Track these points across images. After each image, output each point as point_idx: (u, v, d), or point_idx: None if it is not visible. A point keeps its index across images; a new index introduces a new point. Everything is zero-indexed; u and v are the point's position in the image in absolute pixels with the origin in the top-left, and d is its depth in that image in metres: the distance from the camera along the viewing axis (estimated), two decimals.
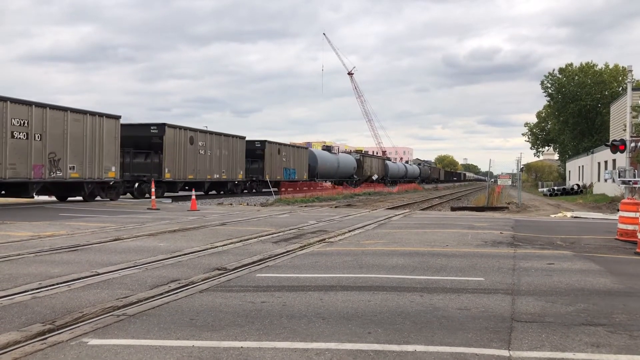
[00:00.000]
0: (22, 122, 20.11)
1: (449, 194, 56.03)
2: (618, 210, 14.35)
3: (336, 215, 19.84)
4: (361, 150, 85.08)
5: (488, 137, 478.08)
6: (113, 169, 24.81)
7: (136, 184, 28.11)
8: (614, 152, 23.00)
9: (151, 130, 28.74)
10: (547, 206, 31.99)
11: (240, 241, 11.44)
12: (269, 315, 5.53)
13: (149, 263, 8.55)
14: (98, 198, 24.68)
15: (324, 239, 12.12)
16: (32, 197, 21.90)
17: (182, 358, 4.26)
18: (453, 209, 29.03)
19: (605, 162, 42.72)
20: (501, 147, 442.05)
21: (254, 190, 39.12)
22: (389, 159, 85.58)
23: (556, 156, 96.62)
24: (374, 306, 5.98)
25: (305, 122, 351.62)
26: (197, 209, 21.01)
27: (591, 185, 48.60)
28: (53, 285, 6.82)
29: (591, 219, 20.38)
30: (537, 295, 6.63)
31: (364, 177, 60.29)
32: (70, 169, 22.32)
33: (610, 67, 67.45)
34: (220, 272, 7.92)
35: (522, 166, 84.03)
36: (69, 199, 24.35)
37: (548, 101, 73.30)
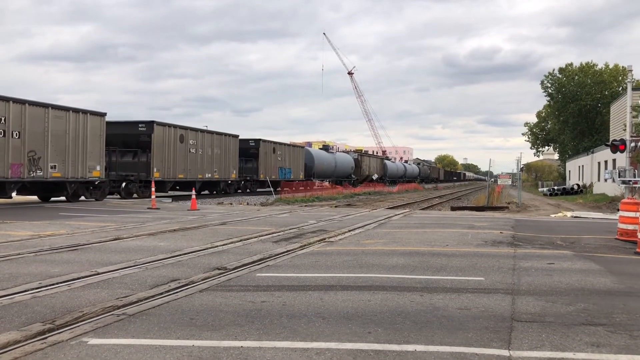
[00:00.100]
0: None
1: (449, 194, 56.02)
2: (618, 210, 14.35)
3: (336, 214, 19.84)
4: (361, 150, 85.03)
5: (488, 137, 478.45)
6: (98, 168, 24.01)
7: (123, 184, 27.36)
8: (614, 151, 23.00)
9: (139, 128, 28.00)
10: (547, 206, 31.99)
11: (241, 240, 11.44)
12: (269, 315, 5.53)
13: (149, 262, 8.55)
14: (82, 198, 23.96)
15: (324, 239, 12.12)
16: (10, 197, 20.99)
17: (182, 357, 4.25)
18: (453, 209, 29.02)
19: (605, 161, 42.72)
20: (501, 147, 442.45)
21: (248, 190, 38.28)
22: (388, 159, 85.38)
23: (556, 156, 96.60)
24: (374, 306, 5.97)
25: (306, 122, 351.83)
26: (197, 209, 21.01)
27: (591, 185, 48.59)
28: (53, 284, 6.82)
29: (591, 219, 20.38)
30: (537, 295, 6.63)
31: (362, 177, 59.90)
32: (51, 168, 21.47)
33: (610, 67, 67.45)
34: (220, 271, 7.92)
35: (522, 166, 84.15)
36: (52, 199, 23.62)
37: (548, 101, 73.32)
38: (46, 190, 22.93)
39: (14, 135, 19.93)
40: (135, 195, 27.81)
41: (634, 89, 27.45)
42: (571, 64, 69.53)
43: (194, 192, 24.05)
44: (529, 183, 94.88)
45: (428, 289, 6.91)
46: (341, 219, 17.98)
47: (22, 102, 20.36)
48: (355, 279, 7.52)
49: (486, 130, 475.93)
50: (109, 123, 25.98)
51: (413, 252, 10.13)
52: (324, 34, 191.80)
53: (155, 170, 27.84)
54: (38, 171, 20.89)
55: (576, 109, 65.55)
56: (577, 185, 52.99)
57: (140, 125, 28.05)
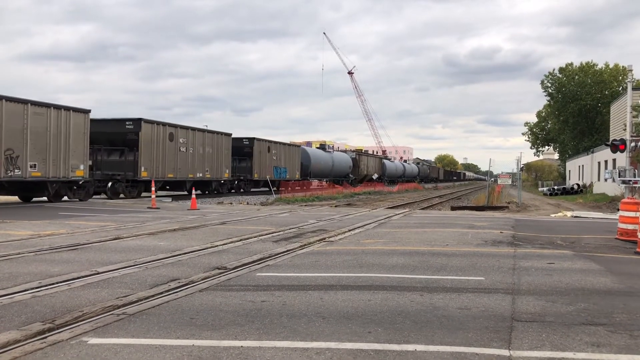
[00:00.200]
0: None
1: (449, 193, 56.04)
2: (618, 209, 14.35)
3: (336, 214, 19.84)
4: (361, 150, 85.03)
5: (488, 137, 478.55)
6: (81, 167, 23.04)
7: (109, 184, 26.43)
8: (614, 151, 23.01)
9: (126, 126, 27.17)
10: (547, 205, 31.99)
11: (240, 240, 11.43)
12: (269, 315, 5.53)
13: (149, 262, 8.54)
14: (65, 198, 23.10)
15: (324, 238, 12.12)
16: None
17: (182, 357, 4.25)
18: (453, 209, 29.02)
19: (606, 161, 42.73)
20: (501, 147, 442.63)
21: (241, 190, 37.43)
22: (387, 158, 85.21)
23: (556, 156, 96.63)
24: (374, 305, 5.97)
25: (306, 122, 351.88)
26: (197, 208, 21.01)
27: (591, 185, 48.61)
28: (53, 284, 6.82)
29: (591, 219, 20.38)
30: (537, 294, 6.63)
31: (360, 177, 59.51)
32: (31, 167, 20.51)
33: (611, 66, 67.49)
34: (220, 271, 7.91)
35: (522, 166, 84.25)
36: (34, 199, 22.81)
37: (548, 101, 73.35)
38: (26, 190, 22.09)
39: None
40: (122, 196, 26.97)
41: (634, 88, 27.46)
42: (571, 64, 69.60)
43: (194, 191, 23.93)
44: (529, 183, 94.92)
45: (428, 288, 6.90)
46: (341, 218, 17.98)
47: None
48: (355, 278, 7.52)
49: (486, 130, 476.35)
50: (95, 120, 25.20)
51: (413, 251, 10.13)
52: (324, 33, 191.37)
53: (143, 169, 27.08)
54: (16, 170, 19.96)
55: (576, 109, 65.58)
56: (577, 185, 53.01)
57: (127, 123, 27.29)
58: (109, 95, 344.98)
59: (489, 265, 8.74)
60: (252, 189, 38.99)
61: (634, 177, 19.16)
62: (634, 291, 7.00)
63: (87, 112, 23.75)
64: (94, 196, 25.87)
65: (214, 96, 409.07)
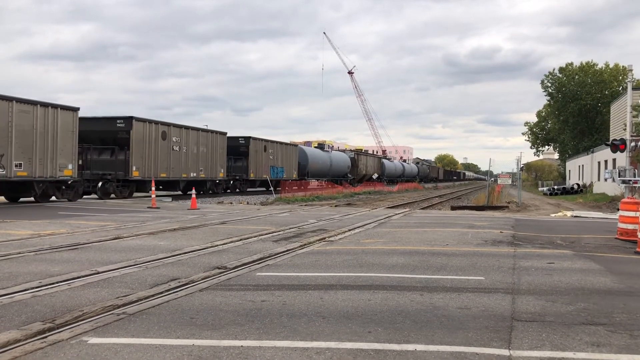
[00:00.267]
0: None
1: (449, 193, 56.04)
2: (618, 209, 14.35)
3: (336, 214, 19.84)
4: (361, 149, 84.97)
5: (488, 136, 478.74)
6: (70, 166, 22.37)
7: (100, 183, 25.73)
8: (614, 151, 23.02)
9: (117, 124, 26.55)
10: (547, 205, 31.99)
11: (240, 240, 11.43)
12: (269, 314, 5.53)
13: (149, 262, 8.54)
14: (53, 199, 22.42)
15: (324, 238, 12.12)
16: None
17: (182, 357, 4.25)
18: (453, 208, 29.02)
19: (606, 161, 42.73)
20: (501, 146, 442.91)
21: (237, 190, 36.87)
22: (386, 158, 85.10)
23: (556, 155, 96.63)
24: (374, 305, 5.97)
25: (306, 121, 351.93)
26: (197, 208, 21.02)
27: (591, 185, 48.60)
28: (53, 283, 6.82)
29: (591, 218, 20.38)
30: (537, 294, 6.63)
31: (359, 176, 59.17)
32: (16, 166, 19.88)
33: (611, 66, 67.51)
34: (220, 270, 7.91)
35: (522, 165, 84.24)
36: (21, 199, 22.24)
37: (548, 100, 73.36)
38: (12, 190, 21.45)
39: None
40: (112, 196, 26.41)
41: (634, 88, 27.46)
42: (571, 64, 69.63)
43: (193, 191, 23.91)
44: (529, 183, 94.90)
45: (428, 288, 6.90)
46: (341, 218, 17.98)
47: None
48: (355, 278, 7.52)
49: (486, 130, 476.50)
50: (84, 119, 24.79)
51: (413, 251, 10.13)
52: (324, 33, 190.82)
53: (134, 168, 26.48)
54: (0, 170, 19.43)
55: (576, 109, 65.58)
56: (577, 184, 53.03)
57: (118, 121, 26.68)
58: (109, 95, 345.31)
59: (489, 265, 8.74)
60: (249, 189, 38.46)
61: (634, 176, 19.16)
62: (634, 291, 7.00)
63: (76, 110, 23.12)
64: (85, 196, 25.40)
65: (214, 96, 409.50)
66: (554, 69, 71.55)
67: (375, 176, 62.93)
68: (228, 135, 35.59)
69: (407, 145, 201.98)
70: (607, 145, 26.47)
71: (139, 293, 6.37)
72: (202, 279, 7.27)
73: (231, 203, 26.56)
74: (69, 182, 22.89)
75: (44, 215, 16.40)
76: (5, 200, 22.21)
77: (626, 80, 31.59)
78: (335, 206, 26.68)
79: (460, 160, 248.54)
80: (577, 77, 67.46)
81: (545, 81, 70.84)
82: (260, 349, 4.44)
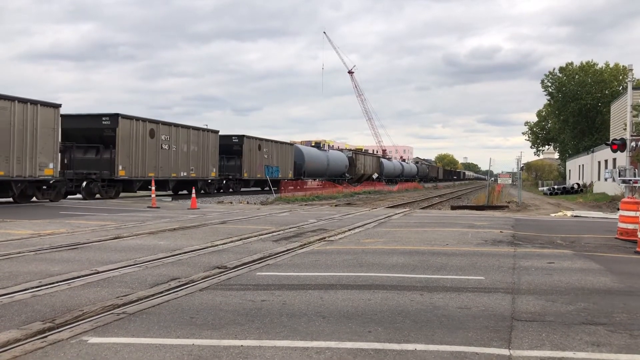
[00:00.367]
0: None
1: (449, 193, 56.04)
2: (618, 209, 14.34)
3: (336, 213, 19.84)
4: (360, 149, 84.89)
5: (488, 136, 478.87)
6: (51, 165, 21.45)
7: (84, 183, 24.67)
8: (614, 151, 22.99)
9: (103, 122, 25.61)
10: (547, 205, 31.99)
11: (241, 239, 11.43)
12: (269, 314, 5.53)
13: (149, 261, 8.54)
14: (34, 199, 21.64)
15: (324, 238, 12.12)
16: None
17: (182, 356, 4.25)
18: (453, 208, 29.03)
19: (606, 161, 42.72)
20: (501, 146, 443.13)
21: (230, 190, 36.11)
22: (385, 157, 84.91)
23: (556, 155, 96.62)
24: (374, 305, 5.97)
25: (306, 121, 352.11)
26: (197, 207, 21.01)
27: (591, 184, 48.60)
28: (53, 283, 6.82)
29: (591, 218, 20.38)
30: (537, 294, 6.63)
31: (357, 176, 58.65)
32: None
33: (611, 66, 67.52)
34: (220, 270, 7.91)
35: (522, 165, 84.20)
36: (0, 200, 21.09)
37: (548, 100, 73.38)
38: None
39: None
40: (98, 196, 25.47)
41: (634, 88, 27.45)
42: (571, 63, 69.66)
43: (193, 191, 23.83)
44: (529, 182, 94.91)
45: (428, 288, 6.90)
46: (341, 218, 17.98)
47: None
48: (355, 278, 7.52)
49: (486, 130, 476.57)
50: (69, 116, 24.39)
51: (413, 251, 10.13)
52: (324, 33, 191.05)
53: (120, 168, 25.66)
54: None
55: (576, 108, 65.58)
56: (577, 184, 53.02)
57: (103, 118, 25.77)
58: (109, 94, 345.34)
59: (489, 264, 8.74)
60: (242, 189, 37.75)
61: (634, 176, 19.16)
62: (634, 291, 7.00)
63: (58, 106, 22.21)
64: (69, 197, 24.73)
65: (214, 95, 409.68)
66: (554, 69, 71.65)
67: (375, 176, 62.84)
68: (221, 133, 34.85)
69: (407, 145, 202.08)
70: (607, 144, 26.45)
71: (139, 293, 6.37)
72: (202, 279, 7.27)
73: (231, 203, 26.55)
74: (51, 182, 22.07)
75: (44, 215, 16.40)
76: None
77: (626, 80, 31.60)
78: (335, 206, 26.68)
79: (461, 160, 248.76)
80: (577, 76, 67.47)
81: (546, 81, 70.90)
82: (260, 349, 4.44)
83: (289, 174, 43.75)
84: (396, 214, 20.56)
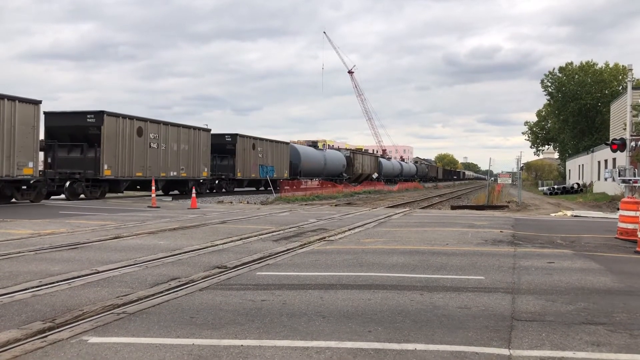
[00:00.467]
0: None
1: (449, 193, 56.04)
2: (618, 209, 14.35)
3: (336, 213, 19.84)
4: (360, 149, 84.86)
5: (488, 136, 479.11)
6: (30, 164, 20.57)
7: (67, 183, 23.82)
8: (614, 151, 23.00)
9: (87, 120, 24.81)
10: (547, 205, 31.99)
11: (241, 239, 11.43)
12: (269, 314, 5.53)
13: (149, 261, 8.54)
14: (14, 200, 20.79)
15: (324, 237, 12.11)
16: None
17: (182, 356, 4.25)
18: (453, 208, 29.03)
19: (606, 161, 42.73)
20: (501, 146, 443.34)
21: (223, 190, 35.33)
22: (384, 157, 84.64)
23: (556, 155, 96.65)
24: (374, 305, 5.97)
25: (306, 121, 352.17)
26: (197, 207, 21.01)
27: (591, 184, 48.61)
28: (53, 283, 6.82)
29: (591, 218, 20.38)
30: (537, 294, 6.63)
31: (355, 176, 58.11)
32: None
33: (611, 66, 67.58)
34: (220, 270, 7.91)
35: (522, 165, 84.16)
36: None
37: (548, 100, 73.43)
38: None
39: None
40: (82, 196, 24.63)
41: (634, 88, 27.47)
42: (571, 63, 69.73)
43: (193, 191, 23.74)
44: (529, 182, 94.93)
45: (428, 287, 6.90)
46: (341, 217, 17.98)
47: None
48: (355, 277, 7.52)
49: (486, 129, 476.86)
50: (52, 114, 23.93)
51: (413, 251, 10.13)
52: (324, 32, 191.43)
53: (105, 167, 24.85)
54: None
55: (576, 108, 65.61)
56: (577, 184, 53.04)
57: (88, 116, 24.97)
58: (109, 94, 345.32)
59: (489, 264, 8.74)
60: (236, 189, 37.15)
61: (634, 176, 19.15)
62: (633, 290, 7.00)
63: (38, 103, 21.32)
64: (52, 197, 24.09)
65: (214, 95, 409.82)
66: (554, 69, 71.71)
67: (375, 176, 62.75)
68: (213, 132, 34.23)
69: (407, 145, 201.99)
70: (607, 144, 26.46)
71: (139, 292, 6.37)
72: (202, 279, 7.27)
73: (231, 202, 26.55)
74: (30, 182, 21.15)
75: (44, 215, 16.40)
76: None
77: (626, 80, 31.61)
78: (335, 205, 26.68)
79: (460, 160, 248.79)
80: (577, 76, 67.50)
81: (545, 81, 70.96)
82: (260, 349, 4.44)
83: (285, 174, 43.00)
84: (396, 213, 20.56)
